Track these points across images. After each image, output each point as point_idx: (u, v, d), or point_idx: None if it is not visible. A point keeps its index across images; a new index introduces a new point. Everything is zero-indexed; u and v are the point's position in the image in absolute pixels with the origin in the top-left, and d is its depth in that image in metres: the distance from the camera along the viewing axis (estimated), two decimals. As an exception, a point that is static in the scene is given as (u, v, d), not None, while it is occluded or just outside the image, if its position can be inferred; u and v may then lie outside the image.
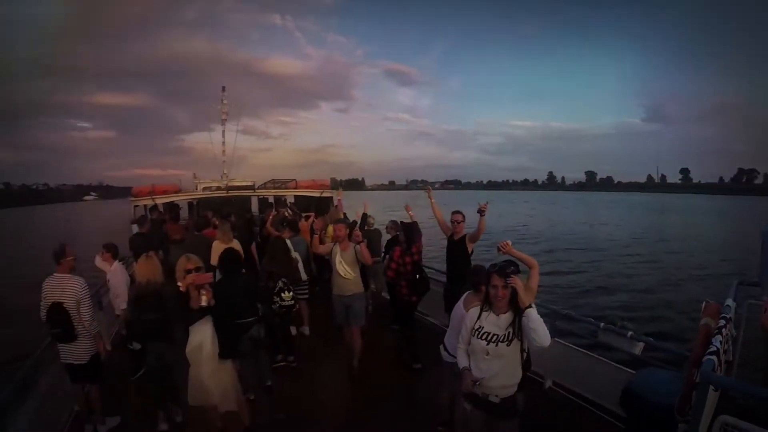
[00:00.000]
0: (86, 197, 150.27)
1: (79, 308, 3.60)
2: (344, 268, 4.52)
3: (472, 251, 4.71)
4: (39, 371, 3.75)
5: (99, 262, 4.97)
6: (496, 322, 2.61)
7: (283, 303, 4.64)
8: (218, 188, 10.83)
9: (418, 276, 4.87)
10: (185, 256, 3.39)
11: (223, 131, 13.60)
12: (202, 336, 3.25)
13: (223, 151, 13.53)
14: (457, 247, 4.76)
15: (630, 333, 3.72)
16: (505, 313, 2.60)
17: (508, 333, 2.57)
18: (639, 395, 2.95)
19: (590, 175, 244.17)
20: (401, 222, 5.31)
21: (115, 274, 4.82)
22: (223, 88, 13.45)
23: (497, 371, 2.61)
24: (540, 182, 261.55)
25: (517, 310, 2.54)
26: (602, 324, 3.98)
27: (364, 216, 6.82)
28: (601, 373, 3.90)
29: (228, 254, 4.16)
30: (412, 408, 4.21)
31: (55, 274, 3.66)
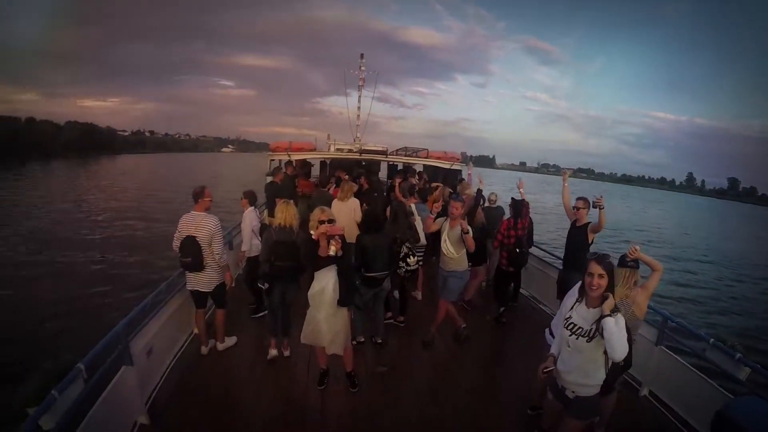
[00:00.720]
0: (224, 149, 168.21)
1: (211, 243, 4.09)
2: (447, 246, 4.53)
3: (593, 241, 4.58)
4: (167, 295, 4.19)
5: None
6: (584, 315, 2.47)
7: (409, 267, 4.95)
8: (350, 151, 11.31)
9: (518, 250, 5.26)
10: (320, 208, 3.64)
11: (359, 97, 13.85)
12: (326, 282, 3.52)
13: (358, 116, 13.84)
14: (577, 234, 4.68)
15: (738, 355, 3.45)
16: (596, 307, 2.43)
17: (592, 329, 2.41)
18: (732, 421, 2.74)
19: (733, 182, 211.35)
20: (512, 198, 5.54)
21: (245, 218, 5.30)
22: (362, 55, 13.66)
23: (575, 366, 2.52)
24: (677, 183, 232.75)
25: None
26: (712, 340, 3.70)
27: (479, 192, 6.82)
28: (700, 392, 3.68)
29: (372, 213, 4.57)
30: (509, 387, 4.20)
31: (192, 212, 4.06)
